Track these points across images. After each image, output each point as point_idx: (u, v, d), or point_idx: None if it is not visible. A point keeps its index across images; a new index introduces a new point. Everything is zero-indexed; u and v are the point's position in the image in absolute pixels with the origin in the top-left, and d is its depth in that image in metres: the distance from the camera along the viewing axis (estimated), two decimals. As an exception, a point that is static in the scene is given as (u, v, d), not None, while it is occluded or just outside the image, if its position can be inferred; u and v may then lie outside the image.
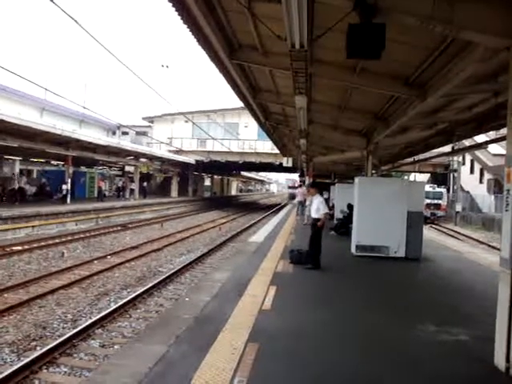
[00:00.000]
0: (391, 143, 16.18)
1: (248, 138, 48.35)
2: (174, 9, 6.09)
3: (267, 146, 43.93)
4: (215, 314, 6.15)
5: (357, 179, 12.65)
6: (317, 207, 9.90)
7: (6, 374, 6.40)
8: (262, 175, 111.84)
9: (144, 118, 55.59)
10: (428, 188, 40.16)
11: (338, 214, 20.38)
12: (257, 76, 11.47)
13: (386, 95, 10.25)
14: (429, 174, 50.08)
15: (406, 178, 50.12)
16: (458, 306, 7.47)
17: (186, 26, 6.78)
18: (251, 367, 4.31)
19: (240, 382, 3.98)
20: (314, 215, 9.99)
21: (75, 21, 9.55)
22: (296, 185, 57.17)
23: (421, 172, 47.04)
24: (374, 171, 27.58)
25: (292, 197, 62.07)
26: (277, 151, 36.07)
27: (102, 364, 4.56)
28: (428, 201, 38.72)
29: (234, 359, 4.48)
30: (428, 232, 23.62)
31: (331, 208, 23.94)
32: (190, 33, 7.06)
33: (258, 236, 16.01)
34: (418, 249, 11.84)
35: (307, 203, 19.65)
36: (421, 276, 10.41)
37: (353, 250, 12.05)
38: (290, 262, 10.27)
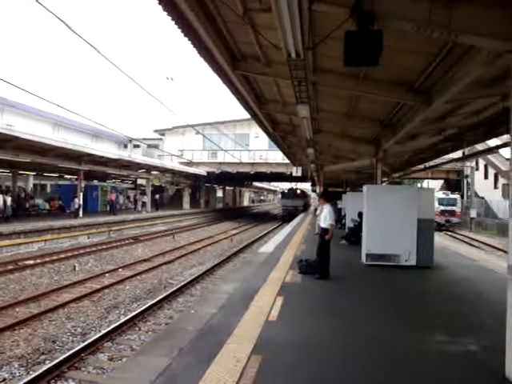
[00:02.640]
0: (400, 150, 16.07)
1: (259, 148, 48.46)
2: (173, 22, 6.13)
3: (278, 156, 43.88)
4: (220, 325, 6.09)
5: (365, 187, 12.54)
6: (324, 216, 9.82)
7: (13, 388, 6.43)
8: (274, 185, 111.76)
9: (155, 131, 56.10)
10: (441, 195, 39.74)
11: (349, 223, 20.18)
12: (262, 86, 11.51)
13: (392, 102, 10.21)
14: (442, 181, 49.56)
15: (418, 185, 49.78)
16: (469, 315, 7.31)
17: (187, 38, 6.83)
18: (253, 380, 4.25)
19: (241, 394, 3.93)
20: (322, 224, 9.91)
21: (90, 45, 9.71)
22: (298, 191, 53.63)
23: (434, 178, 46.56)
24: (385, 179, 27.45)
25: (289, 212, 49.95)
26: (287, 161, 36.05)
27: (103, 378, 4.53)
28: (442, 208, 38.33)
29: (237, 372, 4.42)
30: (442, 239, 23.37)
31: (343, 217, 23.81)
32: (192, 45, 7.10)
33: (268, 246, 15.93)
34: (430, 256, 11.65)
35: (317, 212, 19.54)
36: (432, 284, 10.23)
37: (363, 259, 11.92)
38: (299, 272, 10.17)
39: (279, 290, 8.42)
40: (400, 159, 20.74)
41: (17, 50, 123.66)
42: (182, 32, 6.52)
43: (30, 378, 6.79)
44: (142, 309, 10.55)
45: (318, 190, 30.48)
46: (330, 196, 10.70)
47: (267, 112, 14.02)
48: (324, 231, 9.83)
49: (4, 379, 7.05)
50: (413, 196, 11.83)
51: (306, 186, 59.66)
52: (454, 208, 38.58)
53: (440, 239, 22.87)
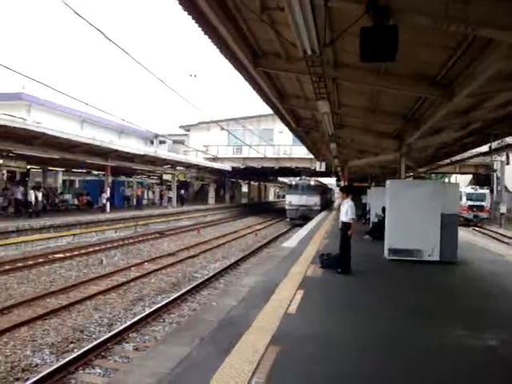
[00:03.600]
0: (424, 145, 15.86)
1: (283, 143, 48.41)
2: (193, 21, 6.27)
3: (302, 151, 43.74)
4: (240, 317, 6.24)
5: (388, 182, 12.50)
6: (345, 211, 9.85)
7: (44, 373, 6.77)
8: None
9: (181, 127, 56.64)
10: (470, 190, 39.01)
11: (373, 218, 20.07)
12: (284, 82, 11.57)
13: (414, 97, 10.13)
14: (471, 176, 48.56)
15: (446, 180, 48.91)
16: (493, 310, 7.26)
17: (207, 36, 6.96)
18: (270, 369, 4.38)
19: (257, 383, 4.06)
20: (343, 219, 9.94)
21: (116, 44, 9.94)
22: (311, 182, 38.58)
23: (462, 173, 45.59)
24: (410, 173, 27.13)
25: (301, 215, 35.53)
26: (312, 156, 35.97)
27: (126, 365, 4.73)
28: (470, 203, 37.63)
29: (254, 361, 4.56)
30: (469, 235, 22.98)
31: (367, 212, 23.67)
32: (212, 43, 7.23)
33: (291, 241, 16.03)
34: (453, 251, 11.53)
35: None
36: (455, 279, 10.13)
37: (385, 253, 11.89)
38: (321, 267, 10.25)
39: (300, 284, 8.52)
40: (425, 154, 20.46)
41: (46, 51, 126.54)
42: (202, 30, 6.65)
43: (59, 364, 7.13)
44: (166, 301, 10.83)
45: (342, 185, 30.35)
46: (351, 190, 10.65)
47: (290, 107, 14.06)
48: (345, 226, 9.86)
49: (36, 364, 7.41)
50: (436, 191, 11.72)
51: (331, 181, 58.76)
52: (482, 203, 37.84)
53: (467, 235, 22.55)
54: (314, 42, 4.69)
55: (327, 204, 49.21)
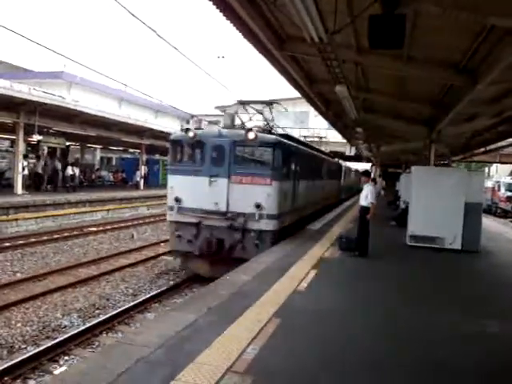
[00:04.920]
0: (456, 132, 15.61)
1: (318, 127, 48.06)
2: (212, 3, 6.40)
3: (338, 135, 43.30)
4: (251, 291, 6.55)
5: (413, 168, 12.47)
6: (365, 195, 9.96)
7: (71, 333, 7.38)
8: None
9: (216, 108, 56.99)
10: (510, 180, 37.74)
11: (402, 205, 19.92)
12: (311, 66, 11.60)
13: (440, 83, 10.04)
14: (512, 166, 46.90)
15: (486, 169, 47.42)
16: (507, 299, 7.30)
17: (228, 20, 7.15)
18: (267, 338, 4.68)
19: (253, 349, 4.37)
20: (363, 203, 10.05)
21: (153, 30, 10.15)
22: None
23: (503, 163, 44.10)
24: (444, 161, 26.60)
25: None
26: (345, 140, 35.63)
27: (137, 327, 5.13)
28: (509, 194, 36.44)
29: (254, 330, 4.87)
30: (504, 226, 22.38)
31: (398, 199, 23.44)
32: (234, 27, 7.40)
33: (316, 224, 16.19)
34: (476, 241, 11.45)
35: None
36: (474, 268, 10.12)
37: (407, 240, 11.92)
38: (339, 249, 10.42)
39: (315, 264, 8.75)
40: (459, 141, 20.04)
41: (87, 33, 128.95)
42: (223, 15, 6.81)
43: (85, 327, 7.73)
44: (187, 276, 11.31)
45: (373, 171, 30.04)
46: (370, 175, 10.72)
47: (319, 91, 14.09)
48: (364, 210, 9.98)
49: (65, 326, 8.04)
50: (461, 179, 11.61)
51: (365, 167, 57.27)
52: (522, 194, 36.50)
53: (501, 226, 21.99)
54: (319, 30, 4.82)
55: (338, 196, 26.98)
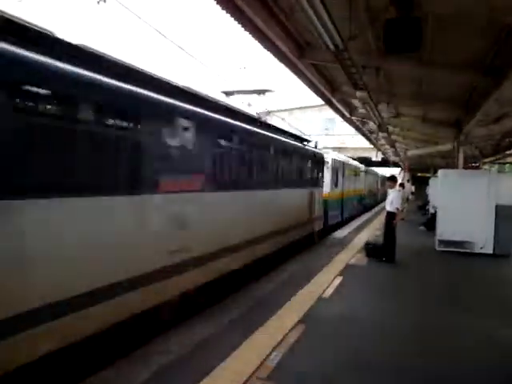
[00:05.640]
0: (485, 133, 15.26)
1: (345, 133, 47.76)
2: (229, 15, 6.49)
3: (365, 141, 42.91)
4: (275, 298, 6.57)
5: (440, 171, 12.26)
6: (391, 200, 9.86)
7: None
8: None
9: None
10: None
11: (431, 209, 19.59)
12: (333, 72, 11.60)
13: (465, 84, 9.89)
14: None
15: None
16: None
17: (248, 32, 7.25)
18: (291, 345, 4.70)
19: (276, 355, 4.40)
20: (388, 208, 9.95)
21: (181, 48, 10.48)
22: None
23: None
24: (475, 163, 26.01)
25: None
26: (372, 146, 35.29)
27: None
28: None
29: (278, 337, 4.89)
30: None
31: (427, 203, 23.01)
32: (251, 36, 7.47)
33: (344, 230, 16.10)
34: (509, 245, 11.13)
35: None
36: (506, 273, 9.83)
37: (436, 244, 11.71)
38: (366, 255, 10.33)
39: (341, 271, 8.71)
40: (489, 143, 19.60)
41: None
42: (239, 23, 6.84)
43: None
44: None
45: (400, 176, 29.57)
46: (396, 180, 10.60)
47: (341, 97, 14.07)
48: (390, 215, 9.87)
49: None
50: (491, 181, 11.35)
51: (393, 172, 56.02)
52: None
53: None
54: (334, 37, 4.84)
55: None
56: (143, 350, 4.67)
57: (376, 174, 33.21)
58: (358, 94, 8.29)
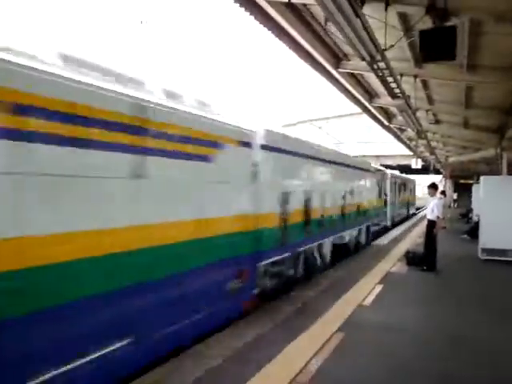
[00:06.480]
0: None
1: (384, 141, 47.13)
2: (266, 29, 6.67)
3: (404, 148, 42.20)
4: (316, 306, 6.65)
5: (482, 178, 11.99)
6: (432, 208, 9.74)
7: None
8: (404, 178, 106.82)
9: (283, 126, 57.60)
10: None
11: (474, 217, 19.08)
12: (370, 81, 11.64)
13: (509, 89, 9.70)
14: None
15: None
16: None
17: (285, 44, 7.42)
18: (331, 352, 4.77)
19: (316, 362, 4.48)
20: (429, 216, 9.84)
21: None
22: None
23: None
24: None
25: None
26: (412, 153, 34.71)
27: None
28: None
29: (319, 344, 4.96)
30: None
31: (471, 211, 22.37)
32: (288, 48, 7.62)
33: (384, 239, 15.94)
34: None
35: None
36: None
37: (479, 253, 11.43)
38: (406, 264, 10.23)
39: (381, 279, 8.69)
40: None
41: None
42: (276, 36, 7.02)
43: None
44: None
45: (444, 183, 28.93)
46: (437, 187, 10.48)
47: (379, 105, 14.03)
48: (431, 223, 9.75)
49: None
50: (536, 188, 11.02)
51: (434, 179, 54.40)
52: None
53: None
54: (370, 48, 4.92)
55: None
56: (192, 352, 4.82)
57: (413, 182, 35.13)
58: (395, 102, 8.30)
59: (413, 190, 35.60)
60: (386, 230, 19.23)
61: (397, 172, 25.12)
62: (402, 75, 8.51)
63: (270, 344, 4.97)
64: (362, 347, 5.03)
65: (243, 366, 4.32)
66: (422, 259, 9.89)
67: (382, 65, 5.69)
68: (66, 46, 3.81)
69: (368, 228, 13.97)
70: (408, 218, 28.15)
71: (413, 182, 34.41)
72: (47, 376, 3.10)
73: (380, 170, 18.61)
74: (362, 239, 13.10)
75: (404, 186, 27.71)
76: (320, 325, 5.71)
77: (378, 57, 5.22)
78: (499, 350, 5.16)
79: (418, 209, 37.09)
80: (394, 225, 21.62)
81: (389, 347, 5.07)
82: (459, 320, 6.32)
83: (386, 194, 19.29)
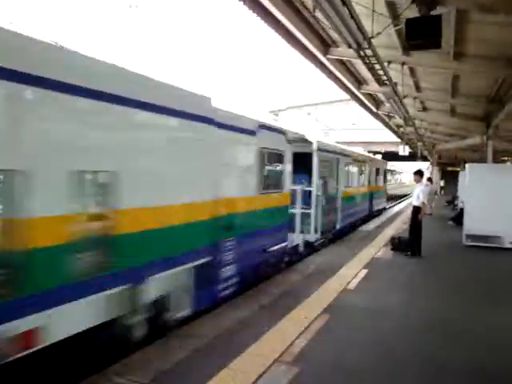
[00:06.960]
0: (515, 127, 15.04)
1: (372, 127, 47.29)
2: (255, 14, 6.66)
3: (392, 135, 42.39)
4: (301, 290, 6.78)
5: (467, 166, 12.18)
6: (417, 195, 9.90)
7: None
8: (391, 165, 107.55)
9: (270, 112, 57.43)
10: None
11: (460, 204, 19.36)
12: (359, 67, 11.67)
13: (493, 77, 9.83)
14: None
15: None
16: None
17: (274, 31, 7.42)
18: (315, 333, 4.91)
19: (301, 342, 4.61)
20: (414, 203, 10.00)
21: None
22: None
23: None
24: (507, 157, 25.52)
25: None
26: (399, 140, 34.91)
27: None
28: None
29: (303, 325, 5.11)
30: None
31: (456, 198, 22.67)
32: (277, 33, 7.62)
33: (369, 225, 16.13)
34: (539, 240, 10.99)
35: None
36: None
37: (463, 239, 11.66)
38: (391, 249, 10.41)
39: (366, 264, 8.85)
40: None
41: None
42: (265, 22, 7.01)
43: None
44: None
45: (429, 170, 29.21)
46: (423, 174, 10.63)
47: (367, 92, 14.09)
48: (416, 209, 9.92)
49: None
50: (520, 175, 11.23)
51: (421, 166, 54.76)
52: None
53: None
54: (356, 35, 4.96)
55: None
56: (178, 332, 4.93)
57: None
58: (382, 89, 8.37)
59: (382, 175, 21.55)
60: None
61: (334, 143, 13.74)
62: (389, 62, 8.57)
63: (255, 325, 5.09)
64: (346, 329, 5.19)
65: (228, 347, 4.44)
66: (407, 245, 10.08)
67: (368, 52, 5.76)
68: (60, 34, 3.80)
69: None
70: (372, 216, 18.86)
71: (382, 163, 22.24)
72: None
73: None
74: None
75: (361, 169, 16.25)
76: (305, 307, 5.85)
77: (365, 44, 5.28)
78: (482, 331, 5.35)
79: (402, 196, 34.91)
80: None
81: (372, 329, 5.22)
82: (443, 303, 6.52)
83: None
